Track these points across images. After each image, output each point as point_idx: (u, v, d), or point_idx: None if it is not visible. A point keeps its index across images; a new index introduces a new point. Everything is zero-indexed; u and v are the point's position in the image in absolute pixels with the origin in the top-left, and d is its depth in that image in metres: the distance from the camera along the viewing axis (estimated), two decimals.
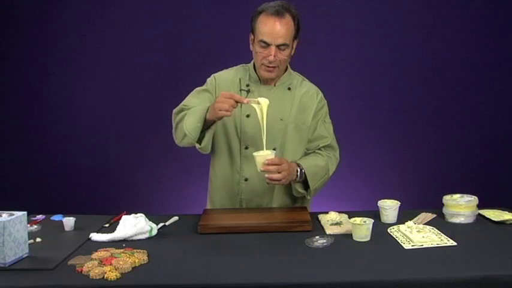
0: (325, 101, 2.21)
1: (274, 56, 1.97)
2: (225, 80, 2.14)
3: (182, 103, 2.11)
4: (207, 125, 1.95)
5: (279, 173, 1.89)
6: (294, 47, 2.07)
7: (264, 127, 1.91)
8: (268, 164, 1.86)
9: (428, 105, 3.78)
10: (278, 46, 1.97)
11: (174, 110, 2.11)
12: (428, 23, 3.70)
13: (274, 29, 1.95)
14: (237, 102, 1.84)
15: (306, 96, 2.15)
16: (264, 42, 1.97)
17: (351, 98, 3.71)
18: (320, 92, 2.20)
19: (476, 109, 3.77)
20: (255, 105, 1.90)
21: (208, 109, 1.91)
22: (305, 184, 2.07)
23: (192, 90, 2.17)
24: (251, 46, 2.07)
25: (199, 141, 1.98)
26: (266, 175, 1.89)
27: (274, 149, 2.04)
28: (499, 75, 3.74)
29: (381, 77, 3.75)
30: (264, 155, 1.87)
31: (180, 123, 2.01)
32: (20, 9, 3.71)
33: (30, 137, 3.80)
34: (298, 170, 2.01)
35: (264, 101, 1.89)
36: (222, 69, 2.21)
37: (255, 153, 1.90)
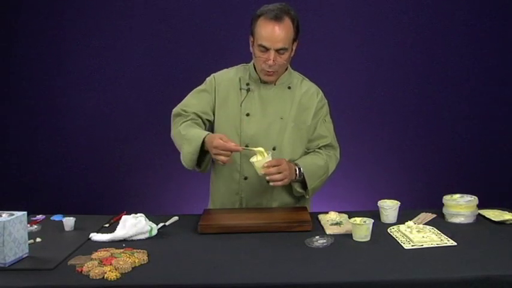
0: (326, 101, 2.21)
1: (273, 60, 1.97)
2: (225, 79, 2.15)
3: (181, 104, 2.13)
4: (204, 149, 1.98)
5: (280, 173, 1.90)
6: (294, 49, 2.07)
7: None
8: (268, 167, 1.87)
9: (428, 105, 3.78)
10: (277, 50, 1.97)
11: (173, 111, 2.12)
12: (429, 23, 3.70)
13: (273, 33, 1.94)
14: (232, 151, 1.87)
15: (306, 95, 2.15)
16: (263, 46, 1.97)
17: (351, 98, 3.71)
18: (320, 91, 2.20)
19: (477, 109, 3.77)
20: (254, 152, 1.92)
21: (204, 137, 1.93)
22: (304, 184, 2.07)
23: (192, 89, 2.18)
24: (251, 48, 2.07)
25: (199, 163, 2.03)
26: (268, 177, 1.90)
27: (274, 149, 2.05)
28: (498, 75, 3.74)
29: (380, 77, 3.75)
30: (262, 160, 1.88)
31: (177, 141, 2.06)
32: (19, 9, 3.71)
33: (30, 137, 3.80)
34: (297, 169, 2.01)
35: (260, 150, 1.90)
36: (222, 69, 2.21)
37: (252, 160, 1.90)
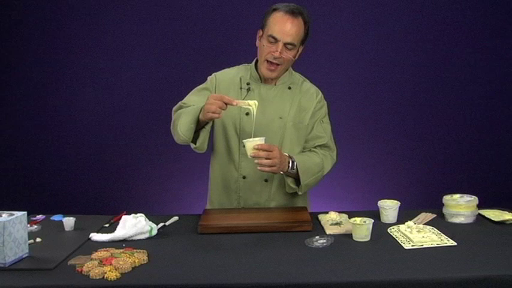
0: (325, 102, 2.21)
1: (280, 52, 1.98)
2: (226, 78, 2.16)
3: (182, 101, 2.13)
4: (201, 125, 1.96)
5: (269, 159, 1.86)
6: (300, 51, 2.08)
7: (253, 126, 1.92)
8: (257, 149, 1.85)
9: (428, 105, 3.78)
10: (286, 44, 1.99)
11: (174, 108, 2.12)
12: (428, 23, 3.70)
13: (285, 26, 1.97)
14: (226, 103, 1.84)
15: (306, 96, 2.15)
16: (273, 37, 1.98)
17: (351, 98, 3.71)
18: (320, 92, 2.20)
19: (476, 109, 3.77)
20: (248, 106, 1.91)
21: (201, 109, 1.91)
22: (297, 180, 2.06)
23: (193, 89, 2.18)
24: (257, 41, 2.07)
25: (195, 140, 1.99)
26: (256, 161, 1.87)
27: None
28: (498, 75, 3.74)
29: (380, 77, 3.75)
30: (254, 141, 1.86)
31: (175, 122, 2.02)
32: (22, 9, 3.71)
33: (31, 137, 3.80)
34: (290, 161, 2.00)
35: (253, 102, 1.90)
36: (223, 69, 2.22)
37: (245, 140, 1.89)
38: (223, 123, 2.11)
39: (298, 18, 2.00)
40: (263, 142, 1.87)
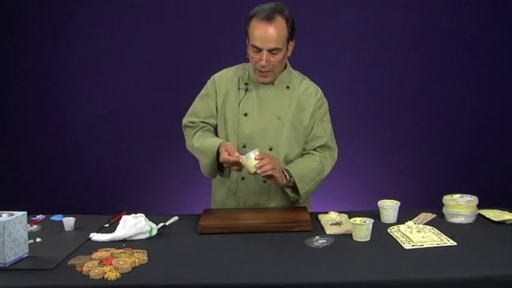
0: (325, 100, 2.18)
1: (266, 60, 1.96)
2: (224, 79, 2.15)
3: (188, 114, 2.16)
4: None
5: (270, 163, 1.88)
6: (290, 48, 2.05)
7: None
8: (260, 159, 1.85)
9: (428, 105, 3.78)
10: (270, 50, 1.96)
11: (183, 123, 2.15)
12: (428, 23, 3.70)
13: (264, 34, 1.93)
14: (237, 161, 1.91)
15: (305, 95, 2.13)
16: (256, 47, 1.96)
17: (351, 98, 3.71)
18: (320, 90, 2.17)
19: (476, 109, 3.77)
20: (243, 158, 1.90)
21: (218, 146, 1.97)
22: (296, 188, 2.05)
23: (192, 91, 2.19)
24: (247, 49, 2.06)
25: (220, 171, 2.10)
26: (259, 170, 1.85)
27: (270, 149, 2.06)
28: (498, 75, 3.74)
29: (380, 77, 3.75)
30: (251, 157, 1.86)
31: (194, 152, 2.12)
32: (21, 9, 3.71)
33: (31, 137, 3.80)
34: (286, 174, 1.99)
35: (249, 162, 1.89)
36: (221, 70, 2.21)
37: (241, 160, 1.88)
38: (224, 124, 2.11)
39: (276, 20, 1.94)
40: (257, 152, 1.88)
